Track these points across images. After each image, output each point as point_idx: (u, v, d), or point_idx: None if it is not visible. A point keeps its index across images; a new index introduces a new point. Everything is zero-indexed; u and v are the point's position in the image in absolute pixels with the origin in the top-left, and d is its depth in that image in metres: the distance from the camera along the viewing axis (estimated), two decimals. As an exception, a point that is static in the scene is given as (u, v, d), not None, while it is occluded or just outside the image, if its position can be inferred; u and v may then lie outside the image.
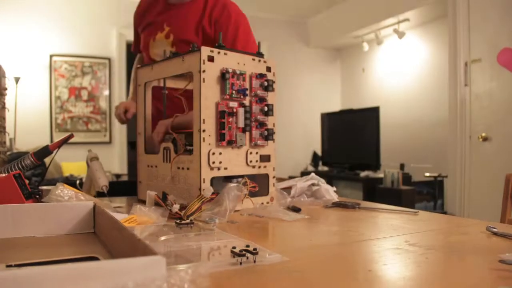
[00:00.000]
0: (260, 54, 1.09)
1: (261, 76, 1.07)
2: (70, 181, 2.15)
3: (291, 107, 5.32)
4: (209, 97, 0.97)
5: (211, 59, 0.98)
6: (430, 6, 4.07)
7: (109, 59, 4.54)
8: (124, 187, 2.53)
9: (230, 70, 1.00)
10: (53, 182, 2.02)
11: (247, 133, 1.05)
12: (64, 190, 0.89)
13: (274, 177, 1.10)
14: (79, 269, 0.37)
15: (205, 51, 0.97)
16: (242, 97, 1.02)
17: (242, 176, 1.03)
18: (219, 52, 0.99)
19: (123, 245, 0.55)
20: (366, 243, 0.69)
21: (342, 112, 5.14)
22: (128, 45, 4.62)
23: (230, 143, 1.00)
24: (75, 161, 3.89)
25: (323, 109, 5.31)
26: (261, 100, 1.06)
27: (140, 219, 0.89)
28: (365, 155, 4.47)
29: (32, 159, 1.06)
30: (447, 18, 3.50)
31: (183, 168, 1.02)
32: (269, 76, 1.08)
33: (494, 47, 3.06)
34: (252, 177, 1.04)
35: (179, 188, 1.03)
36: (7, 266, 0.52)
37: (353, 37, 5.13)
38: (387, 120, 4.61)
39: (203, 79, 0.96)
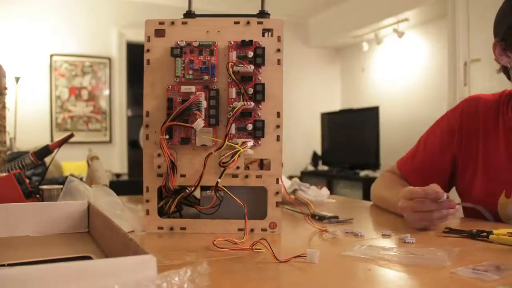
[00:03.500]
0: (263, 13, 0.78)
1: (245, 44, 0.76)
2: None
3: (291, 107, 5.32)
4: (156, 83, 0.77)
5: (160, 33, 0.77)
6: (430, 6, 4.07)
7: (109, 59, 4.55)
8: (125, 186, 2.54)
9: (184, 44, 0.76)
10: (53, 181, 2.03)
11: (218, 128, 0.77)
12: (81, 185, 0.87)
13: (277, 192, 0.77)
14: (70, 268, 0.37)
15: (151, 24, 0.77)
16: (206, 77, 0.76)
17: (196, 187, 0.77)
18: (173, 23, 0.77)
19: (115, 244, 0.55)
20: None
21: (342, 112, 5.15)
22: (129, 45, 4.63)
23: (185, 141, 0.76)
24: (76, 161, 3.90)
25: (323, 109, 5.32)
26: (246, 78, 0.76)
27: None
28: (365, 154, 4.48)
29: (32, 159, 1.07)
30: (447, 18, 3.51)
31: None
32: (265, 42, 0.76)
33: (493, 47, 3.07)
34: (237, 192, 0.75)
35: None
36: (0, 265, 0.52)
37: (352, 37, 5.13)
38: (386, 119, 4.62)
39: (147, 61, 0.77)
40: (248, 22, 0.77)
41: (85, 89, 4.48)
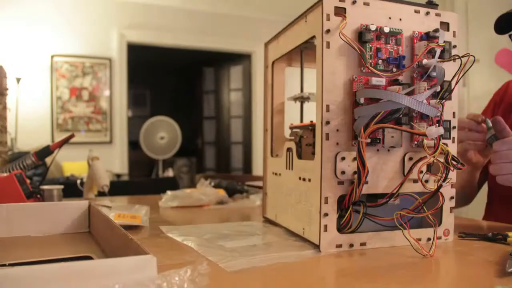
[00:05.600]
0: (431, 4, 0.70)
1: (430, 37, 0.67)
2: (71, 181, 2.17)
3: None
4: (337, 71, 0.63)
5: (340, 12, 0.64)
6: (430, 6, 4.09)
7: (110, 60, 4.56)
8: (125, 187, 2.54)
9: (373, 28, 0.64)
10: (54, 182, 2.04)
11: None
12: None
13: (452, 197, 0.71)
14: (71, 268, 0.37)
15: (330, 1, 0.63)
16: (395, 70, 0.65)
17: (393, 195, 0.65)
18: (354, 2, 0.64)
19: (116, 244, 0.55)
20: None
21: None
22: (129, 46, 4.63)
23: (374, 142, 0.64)
24: (76, 161, 3.90)
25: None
26: (429, 75, 0.66)
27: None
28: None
29: (33, 159, 1.07)
30: (446, 19, 3.51)
31: (304, 179, 0.71)
32: (446, 36, 0.68)
33: (492, 48, 3.07)
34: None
35: (299, 209, 0.73)
36: (1, 265, 0.52)
37: (353, 37, 5.14)
38: (386, 120, 4.62)
39: (327, 43, 0.63)
40: (427, 13, 0.68)
41: (85, 90, 4.48)
